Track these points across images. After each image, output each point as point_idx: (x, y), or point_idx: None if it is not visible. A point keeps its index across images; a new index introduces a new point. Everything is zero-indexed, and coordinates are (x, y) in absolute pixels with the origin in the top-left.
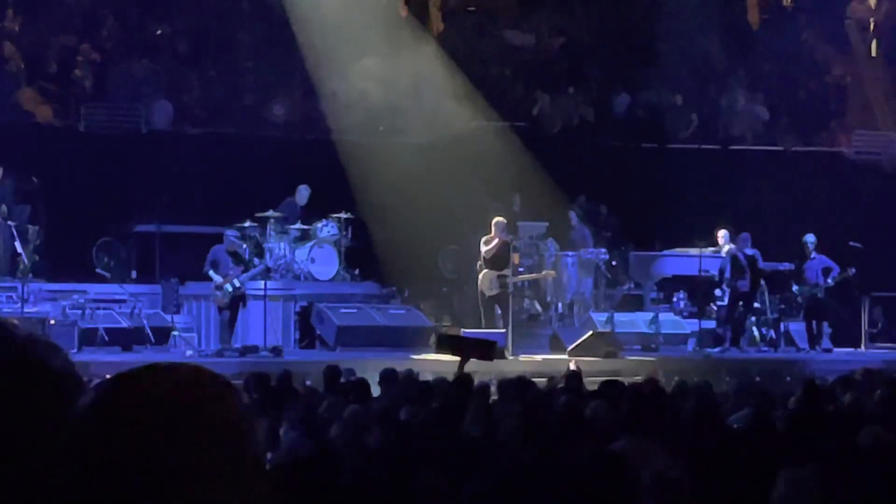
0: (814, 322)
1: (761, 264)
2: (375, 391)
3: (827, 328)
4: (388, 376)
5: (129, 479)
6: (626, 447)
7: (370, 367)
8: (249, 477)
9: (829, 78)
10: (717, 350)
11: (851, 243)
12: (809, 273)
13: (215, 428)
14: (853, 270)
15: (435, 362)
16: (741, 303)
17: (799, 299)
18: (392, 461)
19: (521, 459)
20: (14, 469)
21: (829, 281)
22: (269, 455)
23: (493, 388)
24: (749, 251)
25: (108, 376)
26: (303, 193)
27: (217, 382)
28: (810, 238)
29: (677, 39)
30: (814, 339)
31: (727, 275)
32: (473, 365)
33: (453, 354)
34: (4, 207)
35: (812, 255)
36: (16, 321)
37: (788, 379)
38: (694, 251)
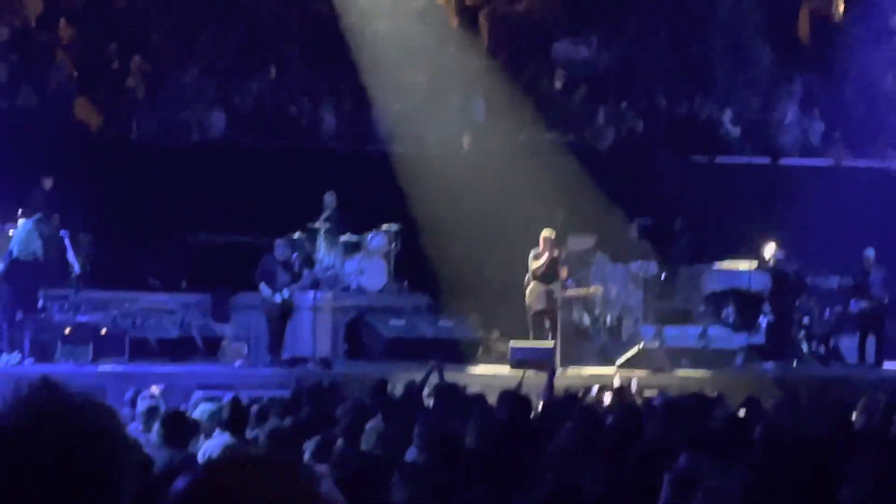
0: (868, 337)
1: (809, 279)
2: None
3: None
4: (441, 390)
5: None
6: (687, 465)
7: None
8: None
9: (881, 92)
10: (769, 365)
11: None
12: (874, 288)
13: None
14: None
15: (482, 376)
16: (789, 318)
17: (864, 312)
18: (438, 478)
19: (575, 478)
20: None
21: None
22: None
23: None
24: (796, 266)
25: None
26: (328, 200)
27: (303, 475)
28: (871, 252)
29: (729, 52)
30: (864, 355)
31: (774, 289)
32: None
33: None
34: (57, 216)
35: (872, 270)
36: (68, 329)
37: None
38: (743, 265)
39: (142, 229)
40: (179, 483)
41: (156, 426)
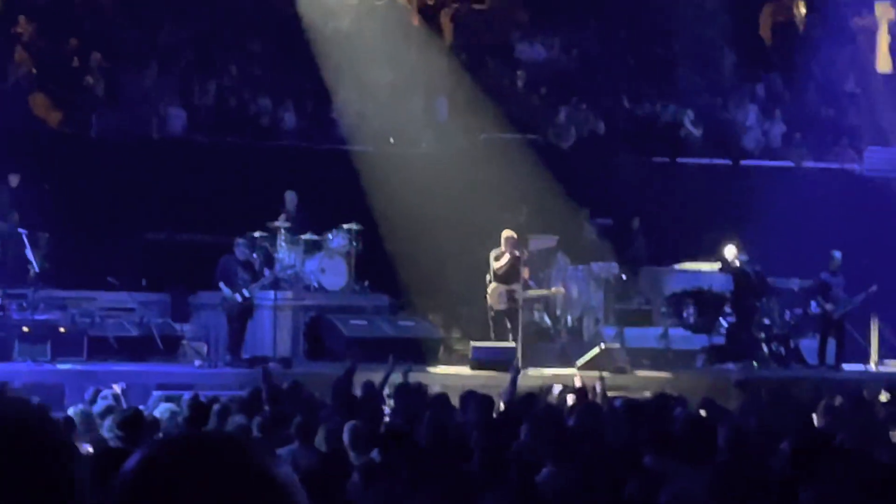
0: (828, 338)
1: (770, 280)
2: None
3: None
4: (401, 389)
5: None
6: (650, 467)
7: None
8: None
9: (842, 93)
10: (729, 366)
11: (871, 288)
12: (837, 289)
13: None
14: (875, 287)
15: (444, 375)
16: (749, 319)
17: (836, 315)
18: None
19: (533, 477)
20: None
21: (857, 299)
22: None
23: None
24: (757, 267)
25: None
26: (288, 199)
27: (258, 453)
28: (838, 254)
29: (691, 53)
30: (824, 356)
31: (735, 290)
32: (483, 379)
33: None
34: (16, 214)
35: (838, 272)
36: (26, 328)
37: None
38: (704, 266)
39: (101, 227)
40: (132, 460)
41: (110, 425)
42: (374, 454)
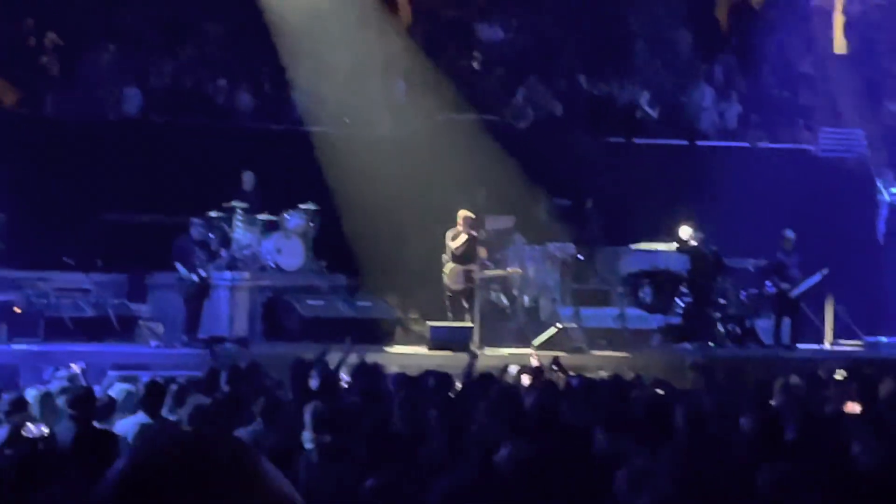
0: (784, 318)
1: (726, 260)
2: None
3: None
4: (359, 370)
5: None
6: (607, 446)
7: (335, 360)
8: None
9: (797, 75)
10: (685, 346)
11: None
12: (792, 269)
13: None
14: (826, 271)
15: (401, 355)
16: (706, 299)
17: (790, 294)
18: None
19: (491, 457)
20: None
21: (812, 280)
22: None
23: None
24: (713, 247)
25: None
26: (245, 179)
27: (245, 454)
28: (790, 233)
29: (648, 35)
30: (780, 336)
31: (691, 270)
32: (440, 359)
33: None
34: None
35: (791, 251)
36: None
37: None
38: (660, 246)
39: (56, 208)
40: (113, 471)
41: (63, 404)
42: (331, 435)
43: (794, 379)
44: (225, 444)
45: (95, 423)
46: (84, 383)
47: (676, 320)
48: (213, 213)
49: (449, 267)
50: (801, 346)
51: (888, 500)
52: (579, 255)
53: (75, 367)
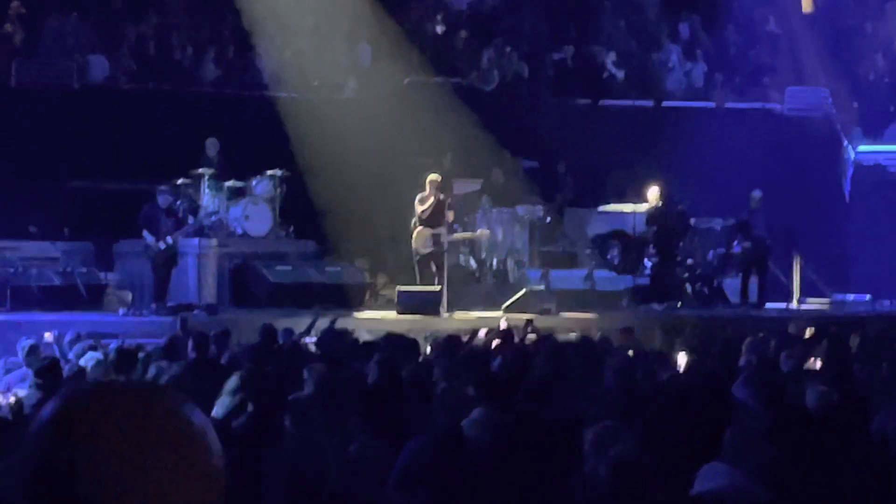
0: (751, 277)
1: (693, 220)
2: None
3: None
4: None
5: (81, 488)
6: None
7: (304, 325)
8: (203, 487)
9: (763, 34)
10: (654, 306)
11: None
12: (758, 228)
13: (167, 445)
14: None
15: (371, 321)
16: (673, 259)
17: (747, 253)
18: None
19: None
20: None
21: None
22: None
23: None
24: (680, 207)
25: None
26: (210, 145)
27: (170, 399)
28: (757, 192)
29: None
30: (747, 295)
31: (658, 231)
32: (408, 323)
33: None
34: None
35: (757, 210)
36: None
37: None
38: (627, 208)
39: (22, 176)
40: (47, 408)
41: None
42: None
43: (762, 336)
44: (155, 389)
45: None
46: (57, 352)
47: (645, 281)
48: (179, 181)
49: (417, 231)
50: (768, 304)
51: (837, 442)
52: (547, 218)
53: (48, 336)
